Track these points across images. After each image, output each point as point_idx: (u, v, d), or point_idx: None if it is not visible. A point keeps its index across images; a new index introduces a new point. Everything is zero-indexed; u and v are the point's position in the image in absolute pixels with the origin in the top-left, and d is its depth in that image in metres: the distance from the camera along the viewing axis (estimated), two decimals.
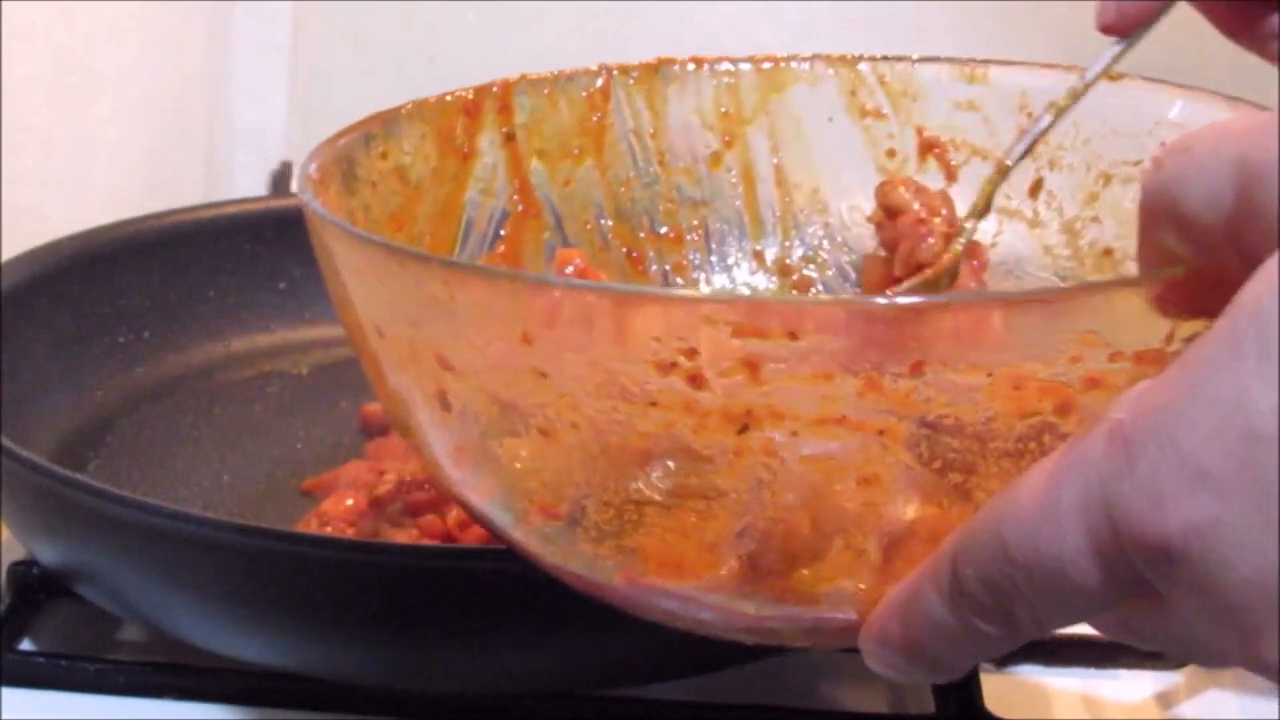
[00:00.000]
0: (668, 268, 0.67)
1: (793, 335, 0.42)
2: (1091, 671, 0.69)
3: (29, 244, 0.79)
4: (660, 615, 0.50)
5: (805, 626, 0.48)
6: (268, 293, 0.85)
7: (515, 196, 0.64)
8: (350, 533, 0.68)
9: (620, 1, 1.02)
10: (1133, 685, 0.69)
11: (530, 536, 0.50)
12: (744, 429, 0.44)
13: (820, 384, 0.43)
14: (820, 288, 0.67)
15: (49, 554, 0.66)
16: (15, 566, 0.68)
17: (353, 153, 0.58)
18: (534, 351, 0.45)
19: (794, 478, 0.45)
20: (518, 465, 0.48)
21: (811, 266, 0.67)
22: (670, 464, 0.46)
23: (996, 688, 0.65)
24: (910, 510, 0.45)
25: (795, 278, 0.67)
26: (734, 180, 0.68)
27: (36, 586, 0.68)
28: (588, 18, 1.19)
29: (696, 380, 0.44)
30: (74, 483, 0.63)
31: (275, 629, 0.61)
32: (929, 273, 0.60)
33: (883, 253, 0.63)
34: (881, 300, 0.43)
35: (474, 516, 0.52)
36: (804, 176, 0.68)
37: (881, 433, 0.44)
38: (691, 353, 0.43)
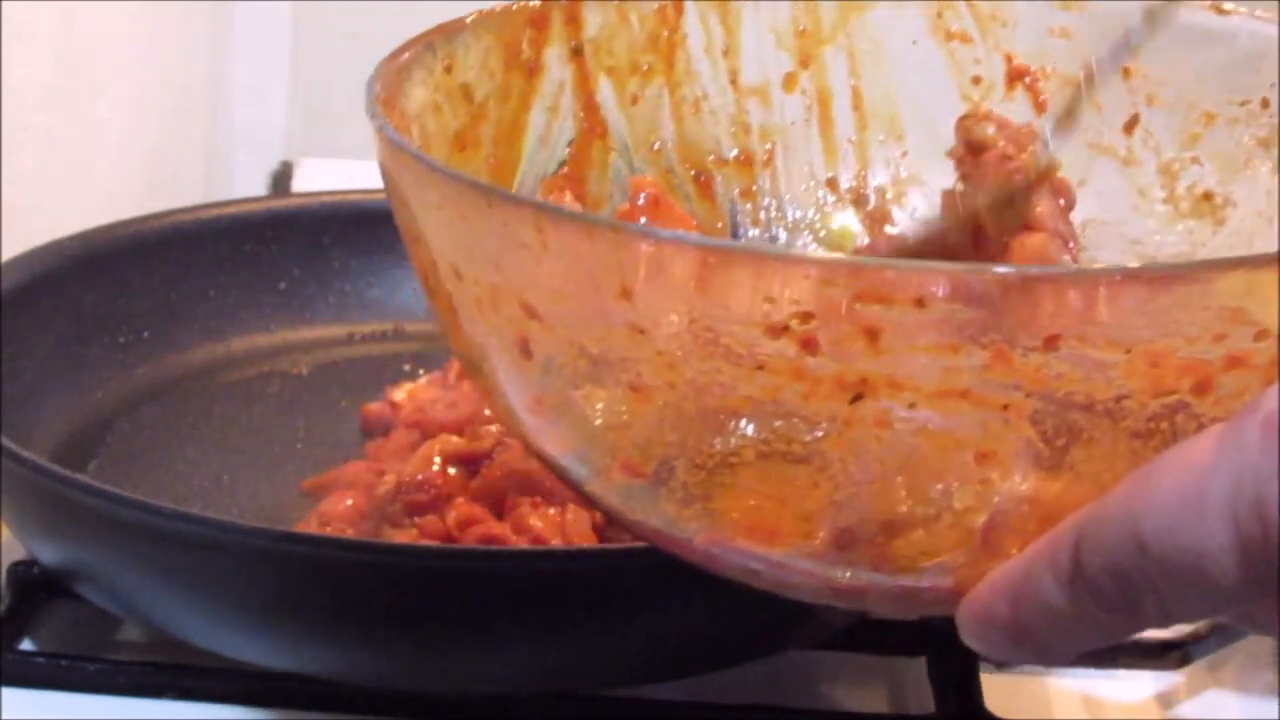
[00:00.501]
0: (736, 193, 0.64)
1: (920, 303, 0.40)
2: (1091, 671, 0.69)
3: (29, 244, 0.79)
4: (741, 575, 0.47)
5: (897, 595, 0.46)
6: (268, 293, 0.85)
7: (582, 115, 0.61)
8: (350, 533, 0.68)
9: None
10: (1133, 685, 0.68)
11: (609, 492, 0.47)
12: (857, 398, 0.42)
13: (945, 355, 0.41)
14: (896, 221, 0.64)
15: (49, 554, 0.66)
16: (15, 566, 0.68)
17: (415, 69, 0.55)
18: (632, 307, 0.42)
19: (906, 451, 0.42)
20: (603, 420, 0.45)
21: (888, 197, 0.65)
22: (772, 429, 0.43)
23: (996, 688, 0.65)
24: (1026, 487, 0.43)
25: (870, 208, 0.65)
26: (808, 104, 0.64)
27: (36, 586, 0.68)
28: None
29: (809, 345, 0.41)
30: (74, 483, 0.63)
31: (275, 629, 0.61)
32: (1011, 183, 0.57)
33: (962, 188, 0.60)
34: (1020, 271, 0.41)
35: (545, 465, 0.49)
36: (882, 102, 0.64)
37: (1005, 408, 0.41)
38: (806, 316, 0.41)
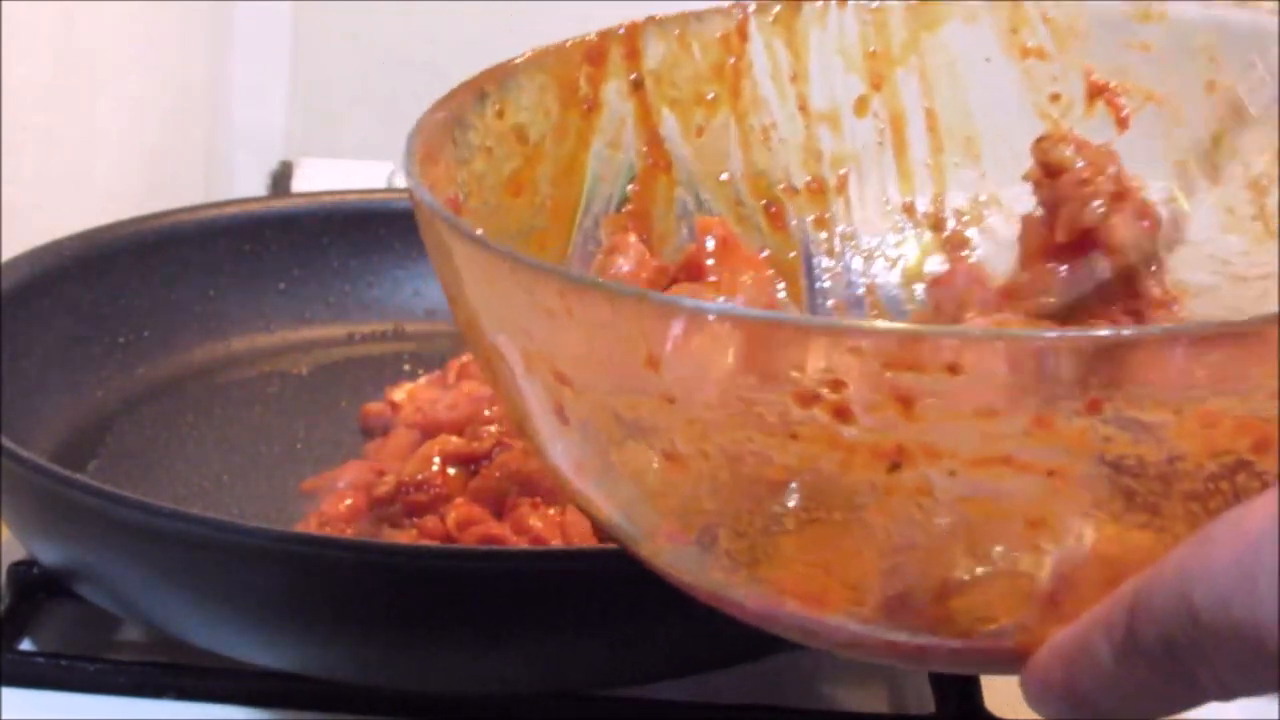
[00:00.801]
0: (809, 222, 0.63)
1: (953, 369, 0.39)
2: None
3: (29, 244, 0.79)
4: (799, 636, 0.46)
5: (959, 657, 0.45)
6: (268, 293, 0.85)
7: (645, 149, 0.60)
8: (350, 533, 0.68)
9: (622, 1, 1.02)
10: None
11: (657, 556, 0.47)
12: (895, 467, 0.40)
13: (983, 421, 0.39)
14: (976, 246, 0.62)
15: (49, 554, 0.66)
16: (15, 566, 0.68)
17: (465, 115, 0.54)
18: (660, 376, 0.41)
19: (952, 519, 0.41)
20: (642, 487, 0.45)
21: (966, 220, 0.63)
22: (812, 498, 0.42)
23: (996, 688, 0.65)
24: (1083, 550, 0.41)
25: (947, 233, 0.63)
26: (881, 127, 0.63)
27: (36, 586, 0.68)
28: (591, 16, 1.19)
29: (843, 414, 0.40)
30: (74, 483, 0.63)
31: (275, 629, 0.61)
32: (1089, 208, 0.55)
33: (1041, 212, 0.57)
34: (1056, 335, 0.39)
35: (598, 526, 0.49)
36: (958, 123, 0.62)
37: (1052, 474, 0.40)
38: (837, 384, 0.40)
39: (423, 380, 0.79)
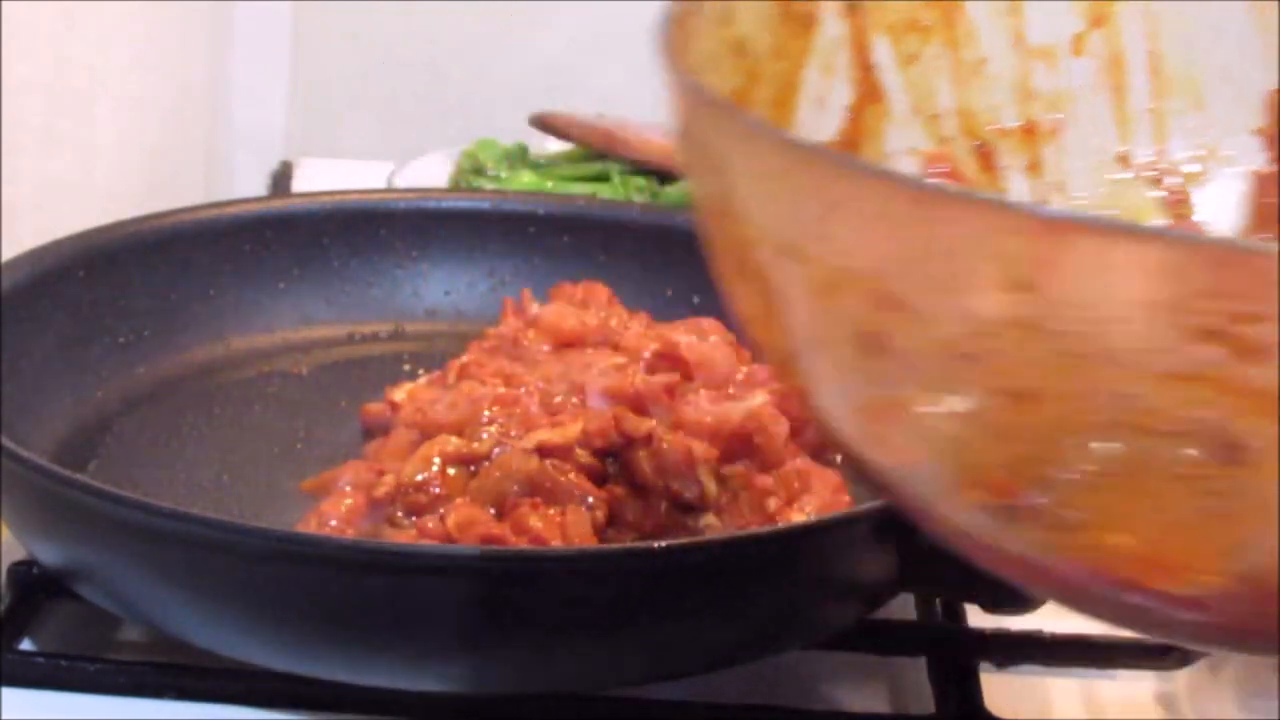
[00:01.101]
0: (1021, 166, 0.59)
1: None
2: (1091, 671, 0.68)
3: (29, 244, 0.79)
4: (1107, 612, 0.42)
5: None
6: (268, 293, 0.85)
7: (857, 76, 0.57)
8: (350, 533, 0.68)
9: (623, 2, 1.03)
10: (1133, 685, 0.68)
11: (958, 511, 0.41)
12: None
13: None
14: (1197, 205, 0.59)
15: (49, 554, 0.66)
16: (15, 566, 0.68)
17: (688, 19, 0.49)
18: (1029, 301, 0.36)
19: None
20: (966, 431, 0.39)
21: (1187, 175, 0.59)
22: (1187, 450, 0.37)
23: (996, 688, 0.65)
24: None
25: (1166, 188, 0.59)
26: (1100, 68, 0.59)
27: (36, 586, 0.68)
28: (590, 18, 1.19)
29: (1248, 352, 0.35)
30: (74, 483, 0.63)
31: (274, 629, 0.61)
32: None
33: (1274, 169, 0.55)
34: None
35: (869, 476, 0.44)
36: (1184, 69, 0.59)
37: None
38: (1248, 318, 0.34)
39: (423, 380, 0.79)
